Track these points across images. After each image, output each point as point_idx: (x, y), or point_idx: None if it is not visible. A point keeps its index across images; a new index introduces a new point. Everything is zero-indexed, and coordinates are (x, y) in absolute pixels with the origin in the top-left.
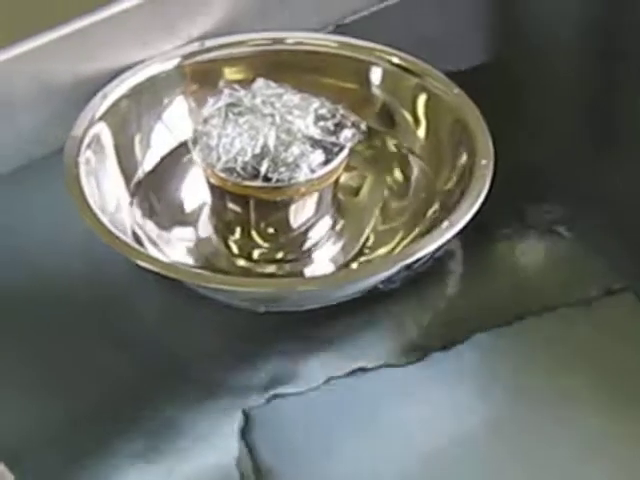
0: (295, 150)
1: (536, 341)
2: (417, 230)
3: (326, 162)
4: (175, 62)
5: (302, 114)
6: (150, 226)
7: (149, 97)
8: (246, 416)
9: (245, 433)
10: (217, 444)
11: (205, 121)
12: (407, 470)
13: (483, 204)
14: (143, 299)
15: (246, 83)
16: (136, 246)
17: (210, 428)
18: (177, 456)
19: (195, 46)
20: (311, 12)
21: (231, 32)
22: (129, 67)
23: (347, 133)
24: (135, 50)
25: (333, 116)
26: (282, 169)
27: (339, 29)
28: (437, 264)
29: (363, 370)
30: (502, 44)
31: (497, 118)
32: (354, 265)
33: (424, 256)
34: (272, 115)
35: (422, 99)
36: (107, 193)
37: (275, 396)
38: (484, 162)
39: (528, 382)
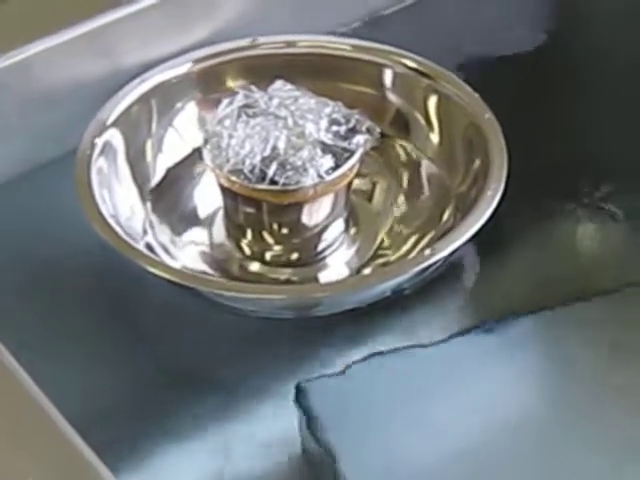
0: (304, 154)
1: (592, 323)
2: (432, 233)
3: (335, 167)
4: (186, 67)
5: (315, 118)
6: (163, 232)
7: (161, 103)
8: (300, 388)
9: (300, 404)
10: (271, 416)
11: (218, 122)
12: (468, 445)
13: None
14: (160, 304)
15: (264, 84)
16: (146, 252)
17: (265, 400)
18: (233, 429)
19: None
20: (328, 14)
21: (243, 35)
22: (146, 67)
23: (359, 139)
24: (152, 51)
25: (347, 121)
26: (290, 173)
27: (354, 31)
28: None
29: (421, 346)
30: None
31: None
32: (368, 270)
33: (441, 259)
34: (285, 118)
35: (435, 102)
36: (119, 199)
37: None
38: (498, 164)
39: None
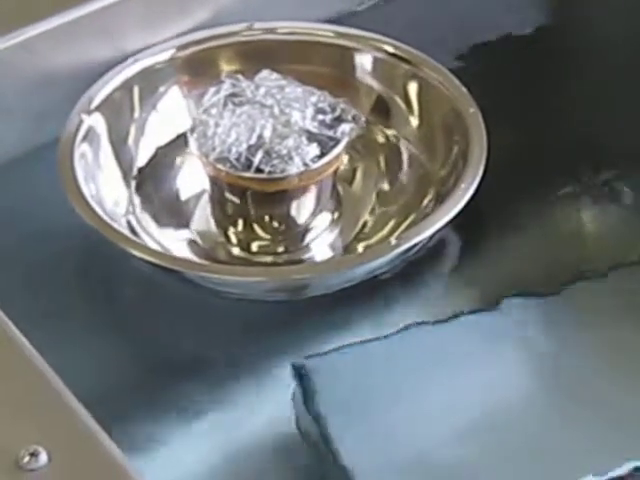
0: (290, 143)
1: (591, 302)
2: (413, 217)
3: (321, 155)
4: (169, 53)
5: (301, 107)
6: (147, 217)
7: (144, 88)
8: (297, 366)
9: (297, 382)
10: (266, 395)
11: (205, 111)
12: (466, 425)
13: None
14: (149, 287)
15: (250, 73)
16: (131, 237)
17: (260, 380)
18: (229, 408)
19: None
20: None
21: (229, 22)
22: (129, 55)
23: (345, 127)
24: (135, 39)
25: (333, 110)
26: (275, 161)
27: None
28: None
29: (417, 325)
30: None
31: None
32: (350, 252)
33: (420, 242)
34: (271, 107)
35: (415, 87)
36: (103, 185)
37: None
38: (478, 149)
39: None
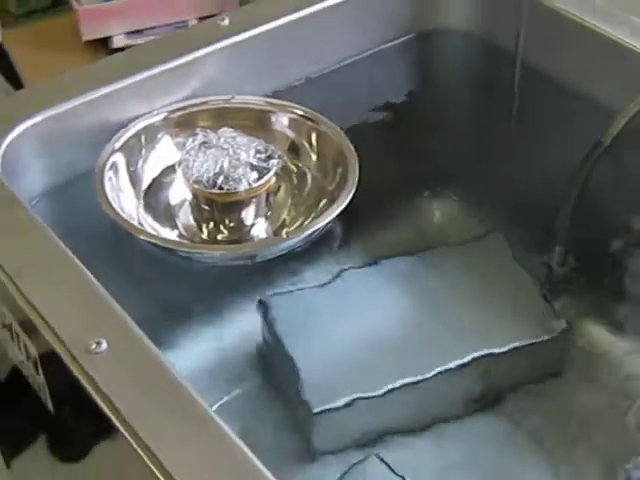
0: (240, 171)
1: (433, 268)
2: (313, 214)
3: (259, 179)
4: (163, 115)
5: (247, 149)
6: (150, 218)
7: (148, 137)
8: (263, 303)
9: (263, 313)
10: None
11: (187, 152)
12: (361, 341)
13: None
14: (152, 260)
15: (214, 128)
16: (139, 227)
17: (239, 311)
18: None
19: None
20: (261, 81)
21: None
22: (130, 121)
23: (274, 161)
24: (136, 109)
25: (266, 151)
26: (231, 182)
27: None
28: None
29: (339, 274)
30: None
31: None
32: (279, 234)
33: (317, 229)
34: (228, 149)
35: (315, 137)
36: (122, 197)
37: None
38: (352, 175)
39: (429, 287)
